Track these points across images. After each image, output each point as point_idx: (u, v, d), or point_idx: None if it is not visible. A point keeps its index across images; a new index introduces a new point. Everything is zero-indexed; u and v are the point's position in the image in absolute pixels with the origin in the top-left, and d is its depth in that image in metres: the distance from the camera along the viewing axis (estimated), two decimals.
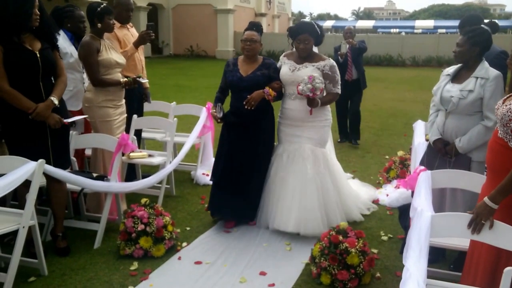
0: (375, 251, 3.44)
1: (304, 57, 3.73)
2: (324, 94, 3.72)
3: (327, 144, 3.90)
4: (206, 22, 25.11)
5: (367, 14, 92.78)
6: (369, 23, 47.10)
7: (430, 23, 42.95)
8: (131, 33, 4.53)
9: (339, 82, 3.77)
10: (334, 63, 3.74)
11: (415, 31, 40.45)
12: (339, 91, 3.78)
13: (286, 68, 3.78)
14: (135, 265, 3.22)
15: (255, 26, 3.78)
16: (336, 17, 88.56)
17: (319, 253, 3.00)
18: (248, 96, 3.63)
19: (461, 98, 2.94)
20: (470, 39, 2.96)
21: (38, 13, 3.02)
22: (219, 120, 3.78)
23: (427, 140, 3.36)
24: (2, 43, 2.94)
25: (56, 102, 3.12)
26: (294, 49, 3.83)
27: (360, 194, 4.37)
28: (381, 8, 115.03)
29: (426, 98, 3.27)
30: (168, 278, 3.09)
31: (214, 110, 3.79)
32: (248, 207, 3.86)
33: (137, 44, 4.31)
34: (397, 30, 43.22)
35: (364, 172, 5.50)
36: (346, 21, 64.09)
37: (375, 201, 4.52)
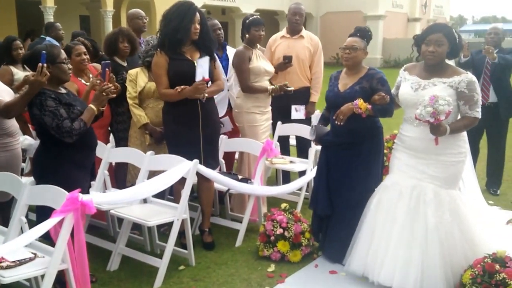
0: None
1: (432, 67, 2.94)
2: (459, 117, 2.96)
3: (456, 186, 3.05)
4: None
5: None
6: None
7: None
8: (295, 44, 4.56)
9: (479, 103, 2.91)
10: (474, 78, 2.91)
11: None
12: (479, 115, 2.92)
13: (407, 86, 3.01)
14: (272, 267, 3.30)
15: (359, 32, 3.26)
16: (504, 20, 79.12)
17: (470, 281, 2.69)
18: (338, 111, 3.13)
19: None
20: None
21: (198, 27, 3.32)
22: (314, 143, 3.43)
23: None
24: (168, 54, 3.31)
25: (202, 95, 3.32)
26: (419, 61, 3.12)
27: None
28: None
29: None
30: (303, 284, 3.11)
31: None
32: (341, 245, 3.26)
33: (276, 70, 4.37)
34: None
35: None
36: None
37: None
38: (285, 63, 4.31)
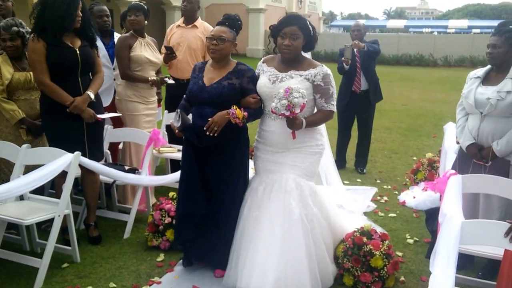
0: (400, 254, 3.41)
1: (288, 60, 2.86)
2: (315, 111, 2.92)
3: (313, 178, 2.99)
4: None
5: (399, 13, 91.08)
6: (400, 23, 46.53)
7: (464, 22, 42.01)
8: (188, 34, 4.56)
9: (334, 96, 2.88)
10: (329, 71, 2.85)
11: (448, 30, 39.69)
12: (334, 109, 2.88)
13: (265, 78, 2.88)
14: (161, 257, 3.31)
15: (228, 20, 2.92)
16: (367, 17, 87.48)
17: (342, 253, 2.99)
18: (210, 119, 2.76)
19: (499, 99, 2.86)
20: (509, 39, 2.87)
21: (81, 14, 3.17)
22: (177, 131, 2.87)
23: (457, 143, 3.27)
24: (46, 40, 3.10)
25: (92, 96, 3.26)
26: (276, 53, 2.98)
27: None
28: (413, 7, 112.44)
29: (458, 99, 3.16)
30: (192, 271, 3.15)
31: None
32: (223, 251, 2.98)
33: (165, 61, 4.37)
34: (429, 29, 42.43)
35: (390, 173, 5.46)
36: (377, 20, 63.36)
37: (401, 203, 4.49)
38: (168, 54, 4.27)
